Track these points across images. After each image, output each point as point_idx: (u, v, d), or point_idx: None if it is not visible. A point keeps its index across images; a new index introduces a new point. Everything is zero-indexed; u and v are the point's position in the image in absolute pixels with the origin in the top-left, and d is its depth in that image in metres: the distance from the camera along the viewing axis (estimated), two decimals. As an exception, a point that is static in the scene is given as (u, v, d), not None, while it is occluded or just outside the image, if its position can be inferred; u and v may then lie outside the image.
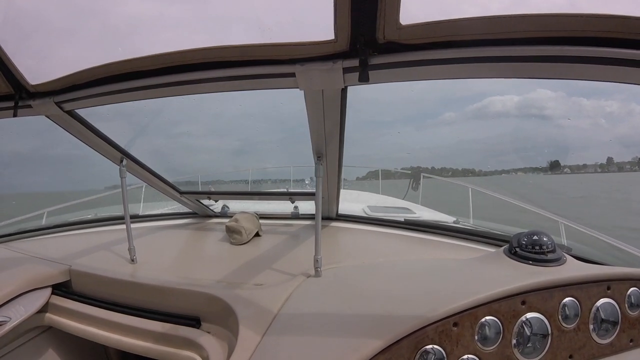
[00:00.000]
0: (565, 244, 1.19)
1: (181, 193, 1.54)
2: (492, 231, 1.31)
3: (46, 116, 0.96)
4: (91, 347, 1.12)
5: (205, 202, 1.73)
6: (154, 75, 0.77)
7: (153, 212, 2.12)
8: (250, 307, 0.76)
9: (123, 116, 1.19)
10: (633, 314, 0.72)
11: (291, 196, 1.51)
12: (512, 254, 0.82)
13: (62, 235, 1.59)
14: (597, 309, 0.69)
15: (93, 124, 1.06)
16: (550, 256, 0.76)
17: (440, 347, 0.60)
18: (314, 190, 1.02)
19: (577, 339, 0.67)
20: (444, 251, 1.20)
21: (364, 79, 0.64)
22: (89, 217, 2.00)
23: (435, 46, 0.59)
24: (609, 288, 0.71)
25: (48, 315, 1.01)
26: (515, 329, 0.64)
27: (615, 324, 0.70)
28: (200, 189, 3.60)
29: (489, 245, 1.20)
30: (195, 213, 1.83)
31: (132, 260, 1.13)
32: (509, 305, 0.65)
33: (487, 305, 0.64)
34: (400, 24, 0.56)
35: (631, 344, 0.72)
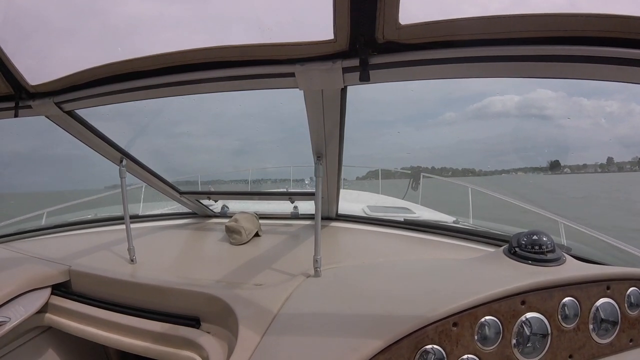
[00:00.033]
0: (565, 244, 1.19)
1: (181, 193, 1.54)
2: (491, 231, 1.31)
3: (46, 116, 0.96)
4: (91, 347, 1.12)
5: (205, 202, 1.72)
6: (154, 75, 0.77)
7: (153, 212, 2.12)
8: (250, 307, 0.76)
9: (123, 116, 1.19)
10: (633, 313, 0.72)
11: (291, 196, 1.51)
12: (512, 253, 0.82)
13: (62, 235, 1.59)
14: (597, 308, 0.69)
15: (93, 124, 1.06)
16: (549, 256, 0.76)
17: (440, 347, 0.60)
18: (314, 190, 1.02)
19: (576, 339, 0.67)
20: (444, 251, 1.20)
21: (364, 79, 0.64)
22: (89, 217, 1.99)
23: (435, 46, 0.59)
24: (608, 288, 0.71)
25: (48, 315, 1.01)
26: (515, 328, 0.64)
27: (615, 323, 0.70)
28: (200, 189, 3.60)
29: (488, 245, 1.20)
30: (195, 213, 1.83)
31: (132, 261, 1.13)
32: (508, 305, 0.65)
33: (487, 305, 0.64)
34: (400, 23, 0.56)
35: (631, 343, 0.72)
